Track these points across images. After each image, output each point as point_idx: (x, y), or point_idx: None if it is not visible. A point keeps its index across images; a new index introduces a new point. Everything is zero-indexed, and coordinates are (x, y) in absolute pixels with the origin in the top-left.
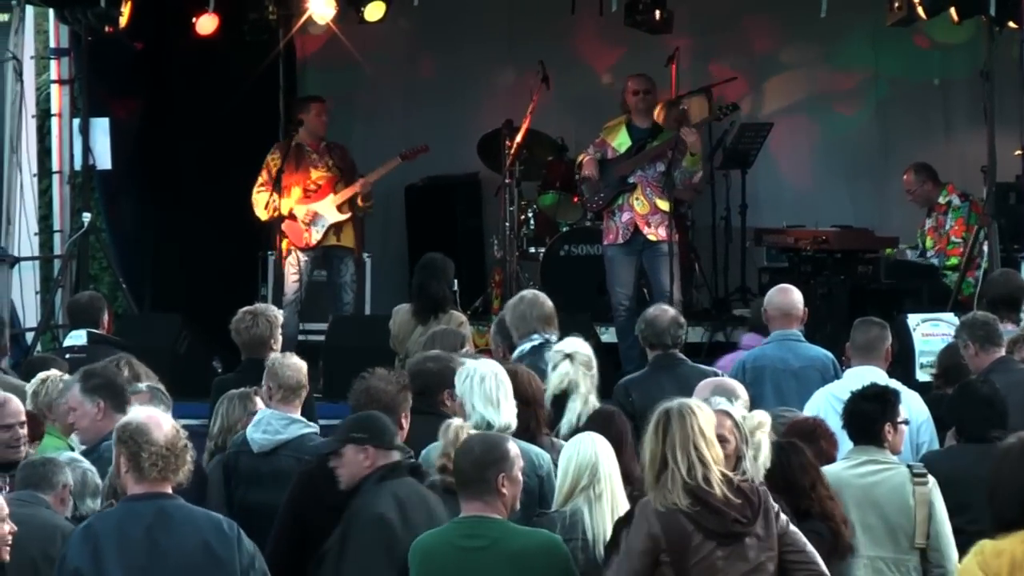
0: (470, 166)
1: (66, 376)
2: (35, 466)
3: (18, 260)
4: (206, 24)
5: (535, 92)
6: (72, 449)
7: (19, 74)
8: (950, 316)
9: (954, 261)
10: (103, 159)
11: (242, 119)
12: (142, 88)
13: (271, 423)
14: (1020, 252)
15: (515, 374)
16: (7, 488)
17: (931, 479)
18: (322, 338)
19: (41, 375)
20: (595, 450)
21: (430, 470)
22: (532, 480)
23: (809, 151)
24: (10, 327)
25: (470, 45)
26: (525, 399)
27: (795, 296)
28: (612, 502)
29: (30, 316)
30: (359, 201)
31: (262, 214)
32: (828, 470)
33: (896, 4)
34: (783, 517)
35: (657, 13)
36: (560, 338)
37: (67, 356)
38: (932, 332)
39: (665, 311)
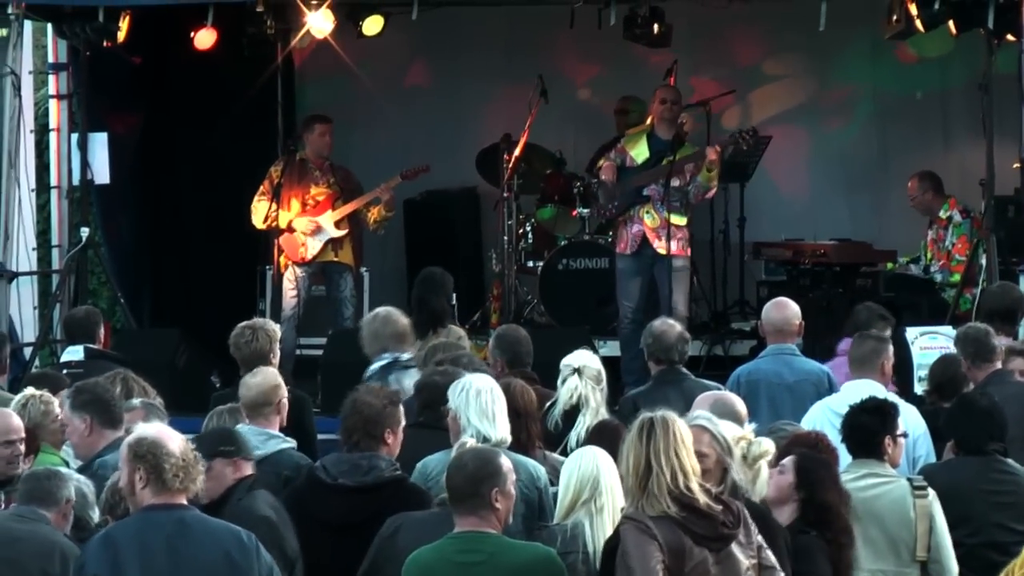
0: (469, 180)
1: (46, 394)
2: (39, 479)
3: (16, 275)
4: (204, 39)
5: (533, 106)
6: (67, 464)
7: (17, 89)
8: (948, 329)
9: (958, 278)
10: (101, 174)
11: (240, 134)
12: (140, 103)
13: (250, 439)
14: (1019, 265)
15: (508, 387)
16: (3, 504)
17: (931, 492)
18: (320, 353)
19: (19, 398)
20: (596, 464)
21: (428, 483)
22: (532, 493)
23: (807, 164)
24: (9, 342)
25: (468, 59)
26: (517, 412)
27: (790, 311)
28: (613, 515)
29: (28, 331)
30: (383, 210)
31: (259, 223)
32: None
33: (894, 17)
34: (758, 534)
35: (655, 27)
36: (413, 356)
37: (64, 371)
38: (930, 345)
39: (672, 326)
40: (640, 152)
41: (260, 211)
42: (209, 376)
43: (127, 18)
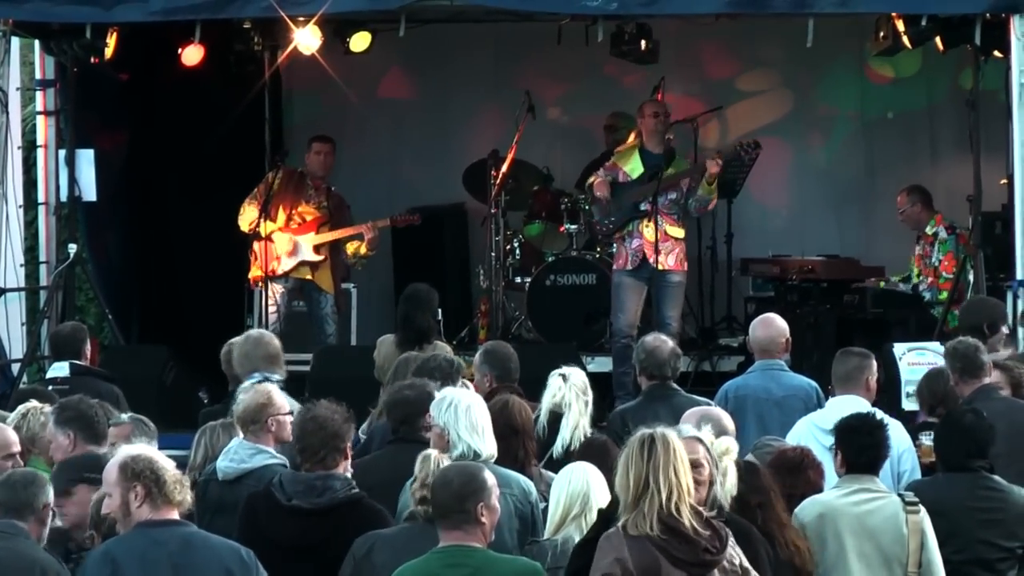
0: (456, 196)
1: (47, 406)
2: (15, 488)
3: (4, 291)
4: (192, 55)
5: (521, 122)
6: None
7: (5, 105)
8: (936, 345)
9: (946, 296)
10: (89, 191)
11: (228, 150)
12: (128, 119)
13: (238, 452)
14: (1006, 281)
15: (507, 404)
16: None
17: (922, 508)
18: (304, 368)
19: (20, 409)
20: (586, 479)
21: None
22: (525, 508)
23: (794, 180)
24: None
25: (456, 75)
26: (515, 429)
27: (776, 328)
28: None
29: (16, 348)
30: (364, 247)
31: (244, 226)
32: (821, 499)
33: (881, 33)
34: (744, 558)
35: (642, 43)
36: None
37: (50, 388)
38: (918, 361)
39: (665, 342)
40: (634, 167)
41: (247, 216)
42: (197, 392)
43: (114, 35)
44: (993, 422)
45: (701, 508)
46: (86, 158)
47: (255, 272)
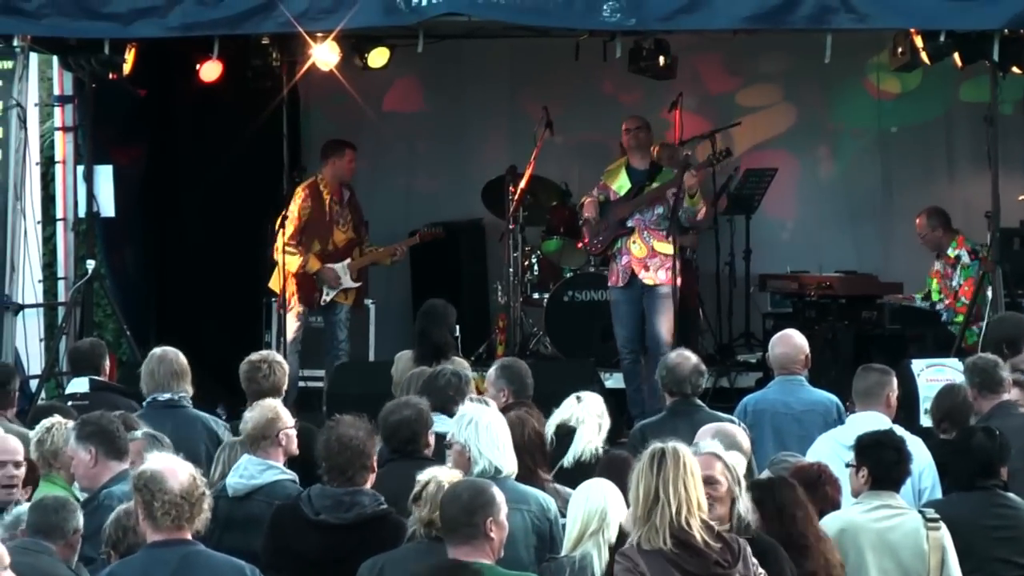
0: (474, 212)
1: (71, 422)
2: (47, 512)
3: (22, 307)
4: (210, 71)
5: (539, 138)
6: (77, 498)
7: (23, 121)
8: (954, 362)
9: (962, 319)
10: (107, 206)
11: (245, 165)
12: (146, 135)
13: (248, 468)
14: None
15: (520, 420)
16: None
17: (943, 525)
18: (321, 384)
19: (46, 422)
20: (605, 496)
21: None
22: (543, 524)
23: (813, 196)
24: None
25: (474, 91)
26: (529, 446)
27: (795, 345)
28: None
29: (34, 364)
30: (389, 259)
31: (292, 268)
32: (842, 514)
33: (899, 49)
34: (761, 571)
35: (661, 59)
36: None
37: (69, 404)
38: (936, 378)
39: (688, 358)
40: (621, 185)
41: (294, 263)
42: (215, 409)
43: (133, 50)
44: (1010, 439)
45: (713, 522)
46: (104, 174)
47: (296, 308)
